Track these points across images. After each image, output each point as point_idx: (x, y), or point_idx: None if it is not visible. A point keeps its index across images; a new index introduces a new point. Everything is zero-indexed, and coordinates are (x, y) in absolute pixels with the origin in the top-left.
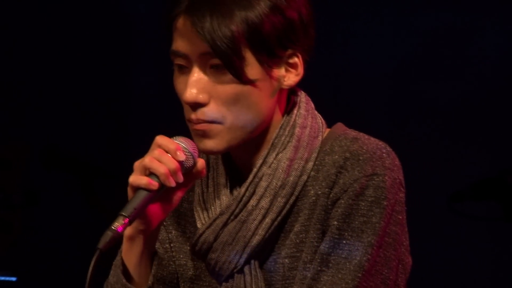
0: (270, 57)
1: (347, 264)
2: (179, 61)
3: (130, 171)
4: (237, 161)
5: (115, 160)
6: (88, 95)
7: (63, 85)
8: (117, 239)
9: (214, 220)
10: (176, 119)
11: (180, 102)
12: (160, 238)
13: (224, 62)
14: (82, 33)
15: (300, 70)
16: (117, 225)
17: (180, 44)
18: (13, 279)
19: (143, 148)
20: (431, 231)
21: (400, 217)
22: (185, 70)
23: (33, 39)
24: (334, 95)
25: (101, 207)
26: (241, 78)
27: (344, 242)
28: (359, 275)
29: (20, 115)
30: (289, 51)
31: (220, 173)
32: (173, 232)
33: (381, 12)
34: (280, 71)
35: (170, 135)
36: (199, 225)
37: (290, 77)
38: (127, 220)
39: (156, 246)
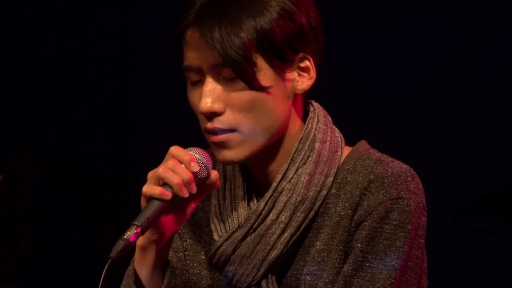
0: (282, 62)
1: (370, 287)
2: (192, 77)
3: (136, 185)
4: (254, 173)
5: (121, 175)
6: (94, 109)
7: (69, 100)
8: (129, 248)
9: (233, 233)
10: (182, 134)
11: (195, 114)
12: (174, 246)
13: (236, 71)
14: (89, 48)
15: (313, 73)
16: (130, 234)
17: (191, 58)
18: None
19: (149, 163)
20: (437, 246)
21: (422, 241)
22: (199, 82)
23: (40, 54)
24: (343, 109)
25: (107, 221)
26: (254, 85)
27: (368, 265)
28: None
29: (27, 130)
30: (300, 55)
31: (238, 185)
32: (188, 241)
33: (391, 26)
34: (293, 75)
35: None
36: (216, 237)
37: (303, 81)
38: (139, 229)
39: (169, 255)
